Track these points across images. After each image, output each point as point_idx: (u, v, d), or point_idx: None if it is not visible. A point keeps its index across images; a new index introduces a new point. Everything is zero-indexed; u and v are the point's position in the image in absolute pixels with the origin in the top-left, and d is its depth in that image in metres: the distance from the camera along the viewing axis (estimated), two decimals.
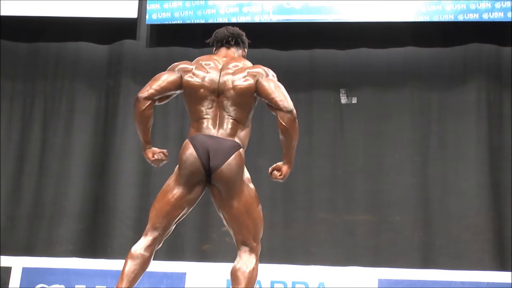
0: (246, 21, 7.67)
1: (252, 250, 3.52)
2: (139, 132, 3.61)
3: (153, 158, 3.61)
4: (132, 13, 7.94)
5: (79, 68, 8.50)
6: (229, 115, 3.54)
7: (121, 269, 3.36)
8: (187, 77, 3.61)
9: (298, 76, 8.17)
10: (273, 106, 3.52)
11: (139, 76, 8.28)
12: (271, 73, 3.66)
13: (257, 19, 7.76)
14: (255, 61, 3.72)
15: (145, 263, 3.42)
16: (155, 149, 3.65)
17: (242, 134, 3.57)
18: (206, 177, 3.48)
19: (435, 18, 7.53)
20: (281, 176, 3.57)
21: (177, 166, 3.56)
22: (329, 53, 8.19)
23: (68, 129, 8.32)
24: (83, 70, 8.49)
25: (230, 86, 3.56)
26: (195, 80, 3.59)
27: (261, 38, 7.95)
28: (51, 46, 8.54)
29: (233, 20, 7.61)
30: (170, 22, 7.91)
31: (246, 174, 3.57)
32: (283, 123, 3.47)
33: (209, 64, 3.66)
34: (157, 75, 3.66)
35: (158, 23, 7.99)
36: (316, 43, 8.17)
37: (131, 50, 8.34)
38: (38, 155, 8.28)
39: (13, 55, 8.49)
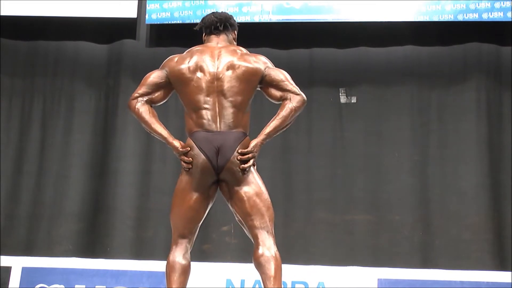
0: (246, 21, 7.66)
1: (269, 233, 3.42)
2: (151, 131, 3.54)
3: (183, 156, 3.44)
4: (132, 13, 7.93)
5: (79, 67, 8.48)
6: (229, 102, 3.44)
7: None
8: (174, 66, 3.53)
9: (297, 75, 8.04)
10: (286, 90, 3.52)
11: (139, 76, 8.13)
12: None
13: (256, 19, 7.76)
14: None
15: (186, 270, 3.52)
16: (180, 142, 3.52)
17: (245, 120, 3.51)
18: (216, 175, 3.45)
19: (435, 18, 7.53)
20: (250, 154, 3.45)
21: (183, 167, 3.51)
22: (328, 52, 8.18)
23: (67, 129, 8.31)
24: (82, 69, 8.47)
25: (232, 68, 3.47)
26: (185, 66, 3.50)
27: (261, 38, 7.94)
28: (50, 45, 8.53)
29: None
30: (169, 22, 7.90)
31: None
32: (295, 103, 3.48)
33: (203, 51, 3.56)
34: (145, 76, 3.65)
35: (158, 23, 7.98)
36: (316, 42, 8.17)
37: (131, 50, 8.33)
38: (38, 155, 8.26)
39: (13, 53, 8.47)
